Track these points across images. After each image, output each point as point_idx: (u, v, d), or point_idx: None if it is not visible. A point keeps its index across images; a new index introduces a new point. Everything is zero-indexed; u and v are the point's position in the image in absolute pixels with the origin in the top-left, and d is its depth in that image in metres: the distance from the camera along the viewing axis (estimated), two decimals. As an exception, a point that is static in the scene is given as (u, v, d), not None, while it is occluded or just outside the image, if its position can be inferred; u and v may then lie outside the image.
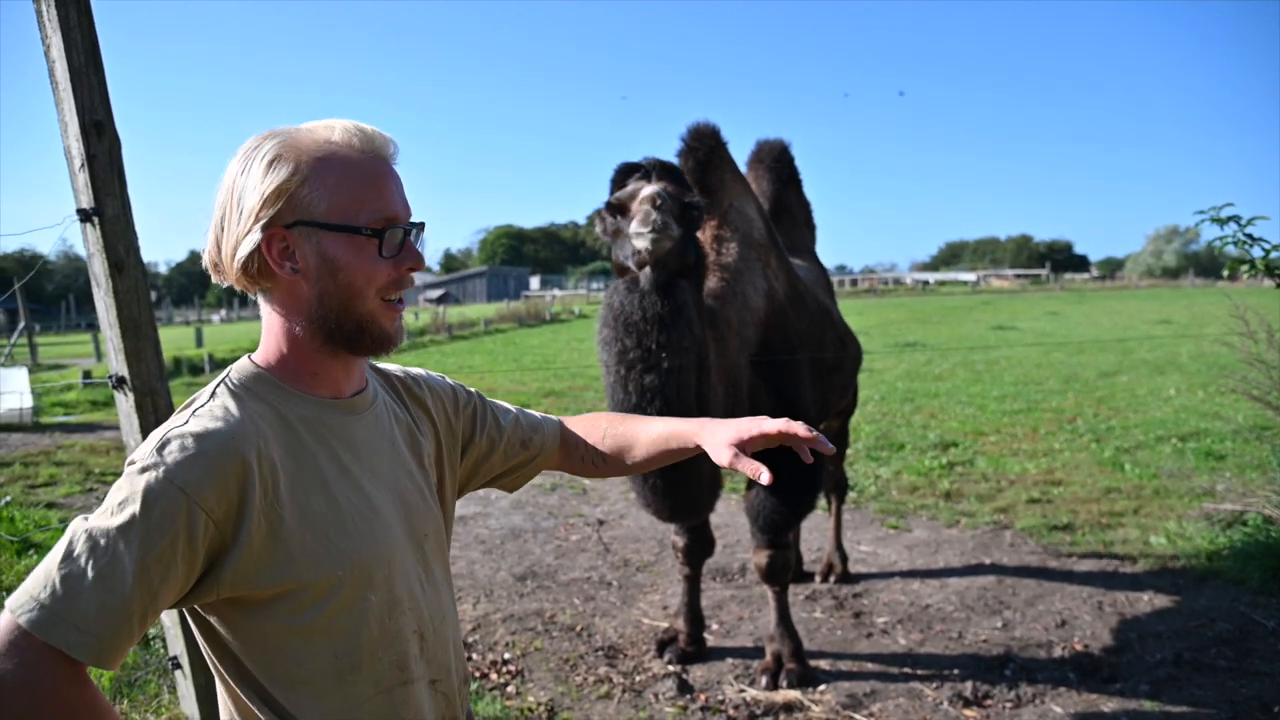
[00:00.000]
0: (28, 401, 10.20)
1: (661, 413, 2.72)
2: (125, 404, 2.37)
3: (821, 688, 3.45)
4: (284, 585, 1.06)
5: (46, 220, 2.37)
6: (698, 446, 1.42)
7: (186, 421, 1.05)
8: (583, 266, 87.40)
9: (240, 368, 1.16)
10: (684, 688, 3.45)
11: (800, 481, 3.46)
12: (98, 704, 0.99)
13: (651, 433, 1.49)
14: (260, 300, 1.16)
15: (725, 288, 3.33)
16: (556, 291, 60.10)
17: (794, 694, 3.39)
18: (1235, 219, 3.72)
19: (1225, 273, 4.36)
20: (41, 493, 6.75)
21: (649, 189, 2.73)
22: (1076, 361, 13.65)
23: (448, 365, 16.53)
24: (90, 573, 0.95)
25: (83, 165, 2.20)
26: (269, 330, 1.16)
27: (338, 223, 1.10)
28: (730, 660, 3.71)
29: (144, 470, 0.99)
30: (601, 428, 1.53)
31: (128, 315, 2.29)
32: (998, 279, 68.44)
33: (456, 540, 5.27)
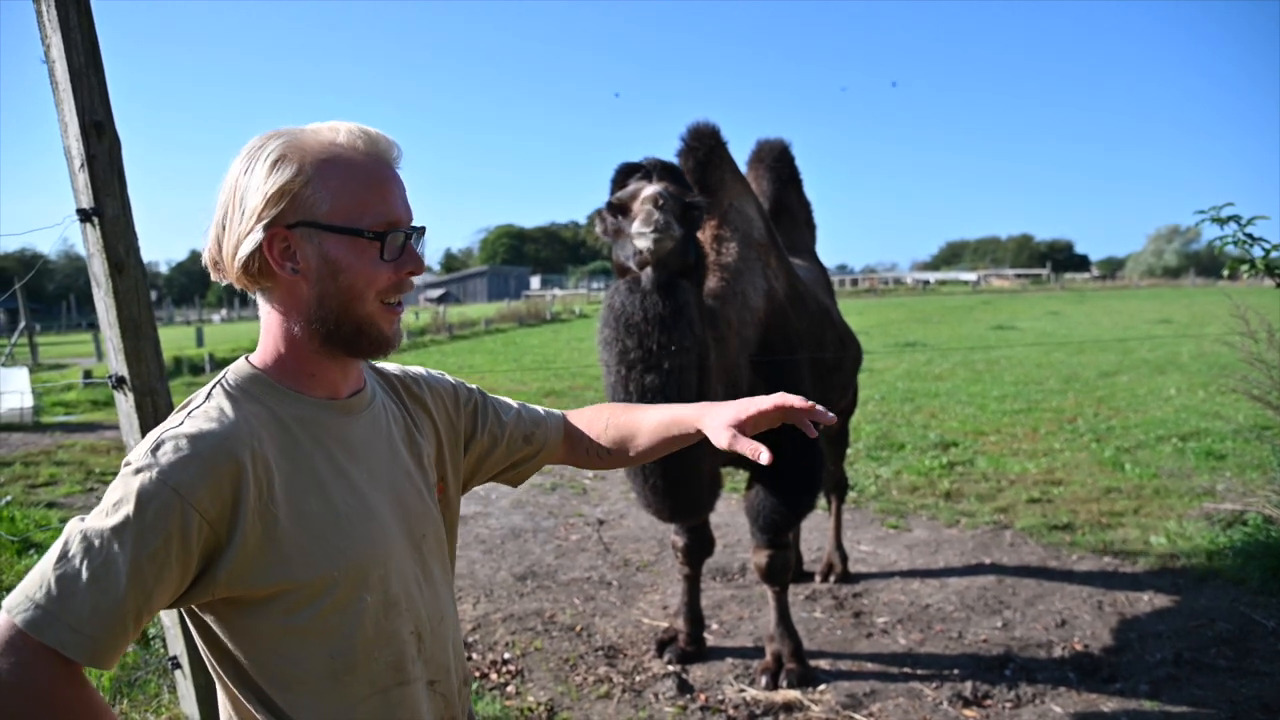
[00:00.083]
0: (28, 401, 10.21)
1: None
2: (125, 404, 2.37)
3: (821, 687, 3.45)
4: (279, 585, 1.07)
5: (47, 220, 2.37)
6: (699, 431, 1.42)
7: (181, 423, 1.06)
8: (583, 266, 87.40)
9: (237, 369, 1.16)
10: (684, 687, 3.46)
11: (800, 481, 3.46)
12: (93, 703, 1.00)
13: (653, 420, 1.49)
14: (259, 300, 1.16)
15: (725, 287, 3.33)
16: (557, 291, 60.12)
17: (794, 694, 3.39)
18: (1235, 219, 3.72)
19: (1225, 272, 4.36)
20: (42, 492, 6.76)
21: (651, 189, 2.73)
22: (1077, 361, 13.64)
23: (448, 365, 16.52)
24: (85, 573, 0.95)
25: (82, 165, 2.20)
26: (267, 330, 1.17)
27: (340, 225, 1.10)
28: (730, 660, 3.71)
29: (138, 471, 1.00)
30: (604, 418, 1.54)
31: (127, 315, 2.29)
32: (998, 279, 68.46)
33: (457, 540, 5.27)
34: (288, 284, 1.12)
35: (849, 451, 6.54)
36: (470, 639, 3.94)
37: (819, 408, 1.36)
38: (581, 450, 1.55)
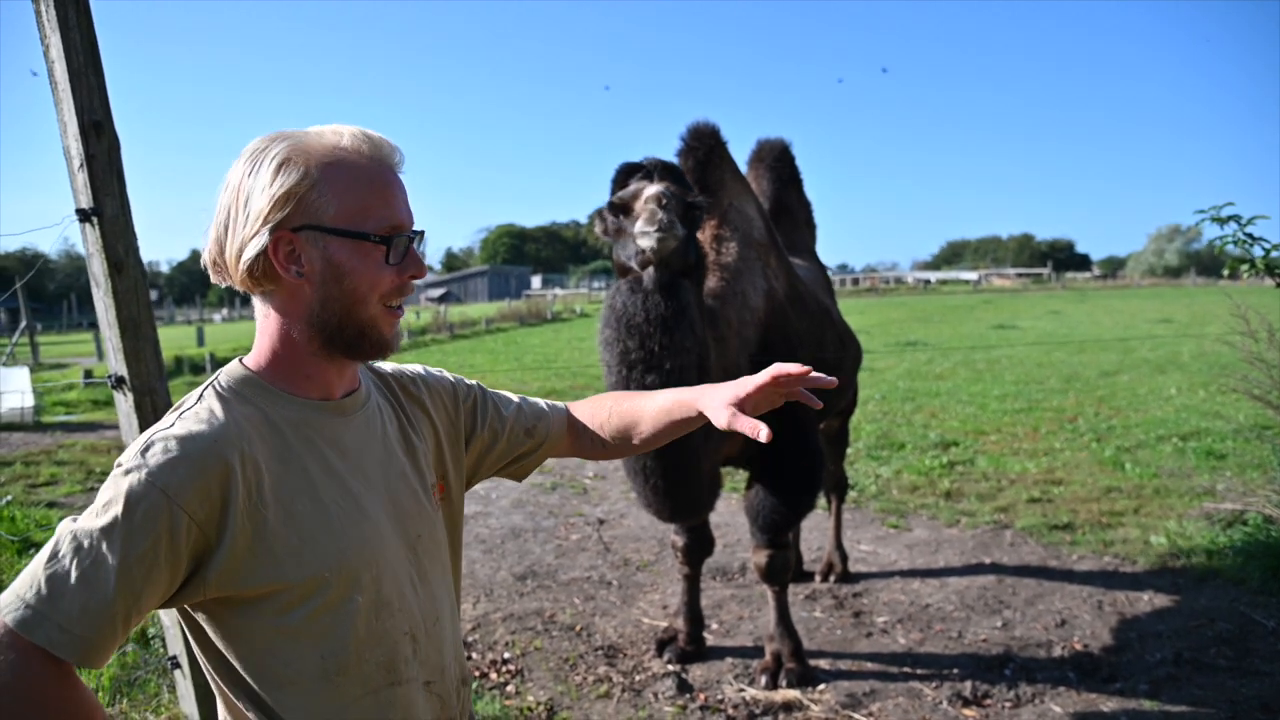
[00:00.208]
0: (29, 401, 10.22)
1: None
2: (124, 404, 2.38)
3: (821, 687, 3.45)
4: (270, 586, 1.07)
5: (49, 220, 2.37)
6: (700, 413, 1.42)
7: (172, 424, 1.07)
8: (584, 265, 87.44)
9: (230, 371, 1.17)
10: (683, 687, 3.46)
11: (800, 481, 3.46)
12: (85, 702, 1.01)
13: (654, 406, 1.49)
14: (257, 302, 1.16)
15: (725, 287, 3.33)
16: (558, 290, 60.11)
17: (793, 693, 3.39)
18: (1235, 218, 3.71)
19: (1226, 272, 4.36)
20: (43, 492, 6.76)
21: (653, 188, 2.73)
22: (1078, 361, 13.64)
23: (449, 364, 16.52)
24: (74, 573, 0.96)
25: (82, 165, 2.20)
26: (263, 332, 1.17)
27: (346, 229, 1.11)
28: (730, 660, 3.71)
29: (128, 472, 1.00)
30: (607, 407, 1.54)
31: (127, 315, 2.29)
32: (999, 278, 68.43)
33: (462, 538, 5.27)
34: (291, 287, 1.12)
35: (849, 451, 6.53)
36: (470, 638, 3.94)
37: (816, 373, 1.35)
38: (586, 441, 1.55)
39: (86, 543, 0.98)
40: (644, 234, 2.67)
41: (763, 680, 3.48)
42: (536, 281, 77.35)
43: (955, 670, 3.55)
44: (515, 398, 1.53)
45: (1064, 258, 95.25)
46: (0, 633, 0.95)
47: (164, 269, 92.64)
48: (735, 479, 6.10)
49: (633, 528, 5.59)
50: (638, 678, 3.56)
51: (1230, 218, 3.72)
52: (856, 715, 3.25)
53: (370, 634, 1.15)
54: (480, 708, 3.28)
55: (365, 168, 1.12)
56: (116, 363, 2.35)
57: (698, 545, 3.75)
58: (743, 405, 1.35)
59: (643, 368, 2.83)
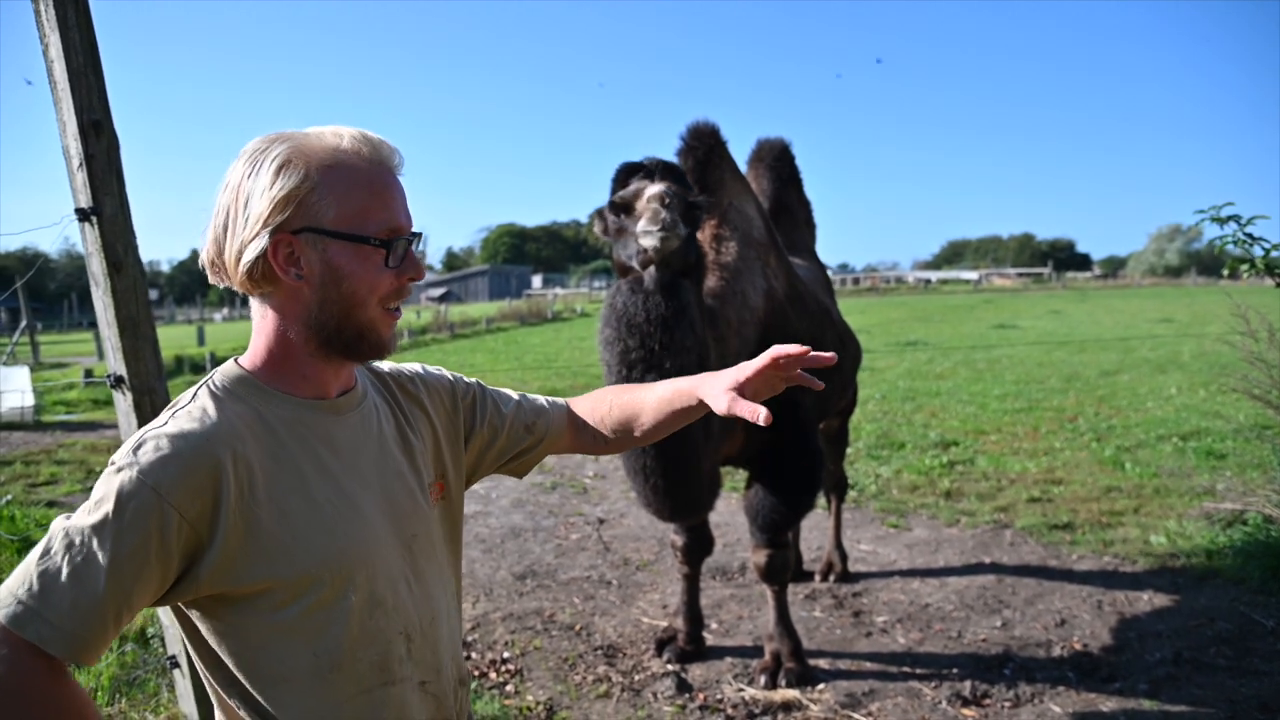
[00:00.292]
0: (29, 400, 10.22)
1: None
2: (124, 403, 2.38)
3: (820, 687, 3.45)
4: (262, 583, 1.08)
5: (50, 219, 2.37)
6: (700, 401, 1.42)
7: (165, 423, 1.07)
8: (585, 265, 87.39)
9: (225, 370, 1.17)
10: (683, 686, 3.46)
11: (799, 480, 3.46)
12: (76, 698, 1.01)
13: (655, 397, 1.49)
14: (255, 302, 1.16)
15: (725, 287, 3.33)
16: (559, 290, 60.08)
17: (793, 693, 3.39)
18: (1235, 218, 3.71)
19: (1226, 272, 4.35)
20: (43, 491, 6.77)
21: (656, 187, 2.73)
22: (1078, 360, 13.63)
23: (449, 363, 16.48)
24: (65, 570, 0.97)
25: (81, 165, 2.20)
26: (260, 332, 1.17)
27: (346, 231, 1.11)
28: (729, 659, 3.71)
29: (119, 470, 1.01)
30: (607, 401, 1.54)
31: (126, 314, 2.29)
32: (1000, 277, 68.36)
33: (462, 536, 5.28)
34: (290, 289, 1.13)
35: (849, 451, 6.53)
36: (469, 638, 3.94)
37: (815, 351, 1.34)
38: (587, 436, 1.55)
39: (78, 540, 0.99)
40: (647, 233, 2.67)
41: (762, 680, 3.48)
42: (537, 281, 77.34)
43: (955, 670, 3.55)
44: (514, 395, 1.53)
45: (1065, 257, 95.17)
46: None
47: (164, 268, 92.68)
48: (735, 478, 6.10)
49: (632, 527, 5.59)
50: (637, 677, 3.56)
51: (1230, 218, 3.72)
52: (856, 715, 3.25)
53: (364, 633, 1.15)
54: (479, 707, 3.28)
55: (365, 170, 1.12)
56: (115, 362, 2.35)
57: (697, 545, 3.75)
58: (742, 390, 1.35)
59: (643, 367, 2.83)
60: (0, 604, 0.97)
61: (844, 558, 4.63)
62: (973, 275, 69.98)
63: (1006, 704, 3.29)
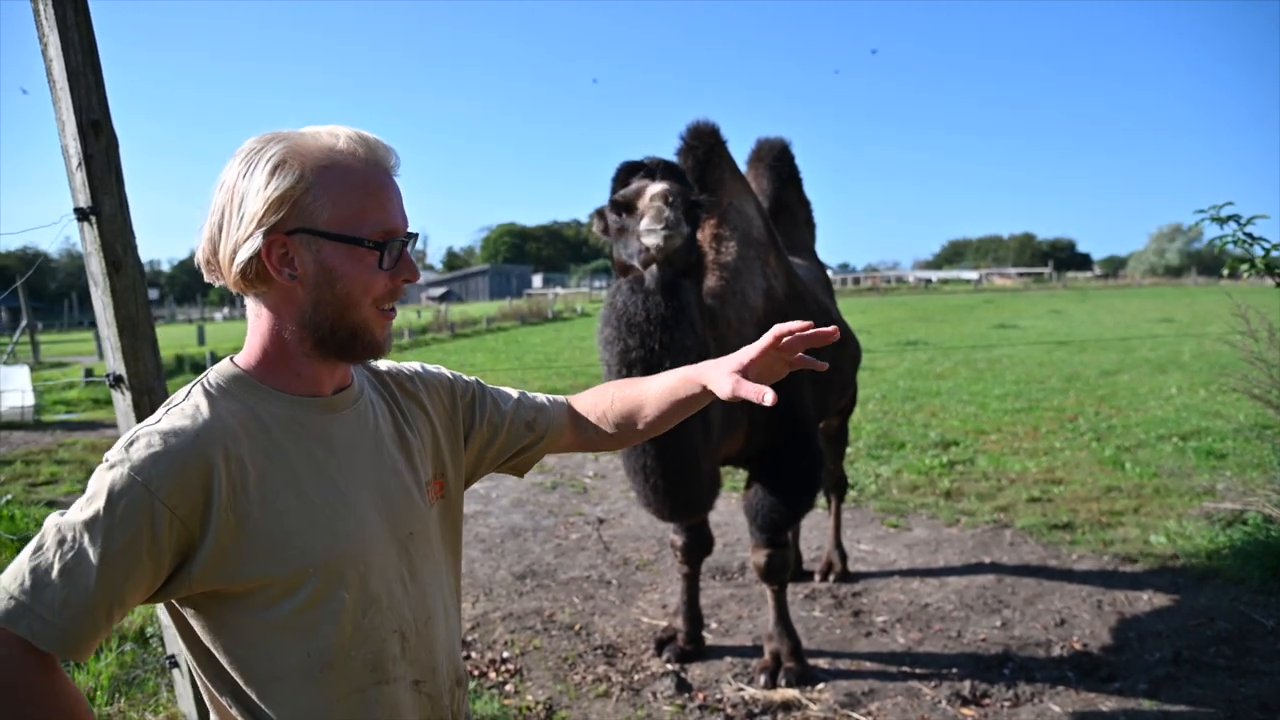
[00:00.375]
0: (29, 399, 10.23)
1: None
2: (122, 402, 2.37)
3: (820, 686, 3.45)
4: (255, 581, 1.08)
5: (51, 219, 2.37)
6: (704, 389, 1.42)
7: (159, 420, 1.08)
8: (585, 265, 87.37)
9: (219, 368, 1.17)
10: (682, 686, 3.46)
11: (799, 480, 3.46)
12: (67, 694, 1.02)
13: (659, 386, 1.49)
14: (250, 302, 1.16)
15: (724, 287, 3.33)
16: (559, 289, 60.08)
17: (792, 692, 3.39)
18: (1235, 218, 3.71)
19: (1226, 271, 4.35)
20: (43, 491, 6.78)
21: (659, 186, 2.73)
22: (1078, 360, 13.63)
23: (450, 363, 16.46)
24: (56, 566, 0.98)
25: (80, 164, 2.20)
26: (255, 331, 1.17)
27: (340, 233, 1.11)
28: (729, 659, 3.71)
29: (111, 467, 1.02)
30: (609, 395, 1.54)
31: (125, 314, 2.29)
32: (1000, 277, 68.33)
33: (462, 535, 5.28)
34: (284, 289, 1.13)
35: (849, 450, 6.54)
36: (469, 638, 3.94)
37: (816, 327, 1.34)
38: (590, 432, 1.55)
39: (69, 536, 0.99)
40: (650, 231, 2.66)
41: (761, 679, 3.48)
42: (538, 280, 77.34)
43: (954, 669, 3.55)
44: (514, 392, 1.53)
45: (1065, 257, 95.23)
46: None
47: (165, 268, 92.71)
48: (735, 478, 6.10)
49: (632, 527, 5.59)
50: (637, 677, 3.56)
51: (1230, 217, 3.72)
52: (855, 714, 3.25)
53: (357, 631, 1.15)
54: (479, 707, 3.28)
55: (360, 171, 1.12)
56: (114, 361, 2.34)
57: (697, 544, 3.75)
58: (746, 373, 1.34)
59: (642, 367, 2.83)
60: None
61: (844, 557, 4.63)
62: (973, 275, 69.93)
63: (1006, 703, 3.29)
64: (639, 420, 1.51)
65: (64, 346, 26.28)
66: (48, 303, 59.59)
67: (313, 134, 1.13)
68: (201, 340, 22.68)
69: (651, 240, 2.68)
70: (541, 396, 1.56)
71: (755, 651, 3.74)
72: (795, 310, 3.60)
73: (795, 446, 3.44)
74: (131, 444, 1.04)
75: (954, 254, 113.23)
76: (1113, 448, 7.30)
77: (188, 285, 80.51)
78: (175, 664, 2.64)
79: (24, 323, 18.19)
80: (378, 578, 1.18)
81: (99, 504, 1.00)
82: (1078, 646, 3.73)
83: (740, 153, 4.34)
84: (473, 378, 1.49)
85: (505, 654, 3.77)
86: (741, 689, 3.45)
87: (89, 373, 13.55)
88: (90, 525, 0.99)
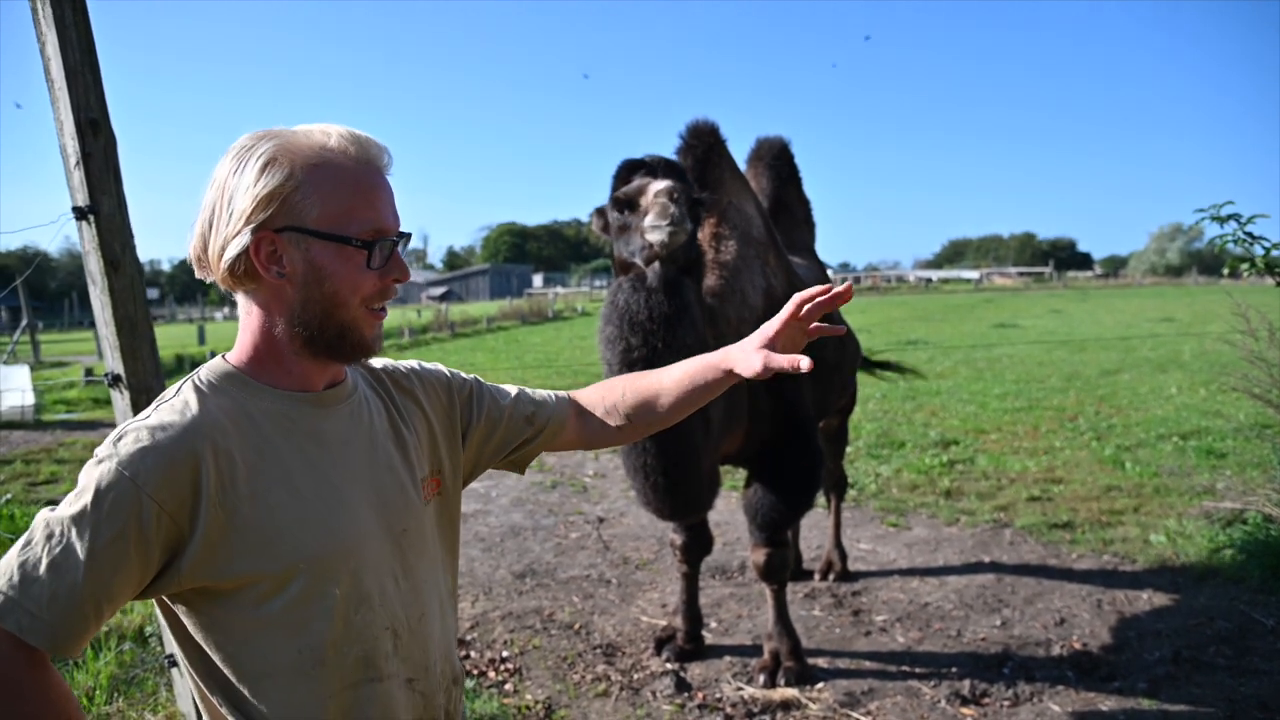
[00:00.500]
0: (29, 399, 10.23)
1: None
2: (121, 402, 2.38)
3: (819, 686, 3.45)
4: (245, 577, 1.08)
5: (51, 218, 2.37)
6: (727, 372, 1.42)
7: (148, 416, 1.08)
8: (586, 264, 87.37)
9: (211, 365, 1.17)
10: (682, 685, 3.46)
11: (799, 479, 3.46)
12: (56, 689, 1.02)
13: (677, 373, 1.48)
14: (240, 298, 1.17)
15: (724, 285, 3.33)
16: (559, 289, 60.06)
17: (792, 692, 3.39)
18: (1235, 217, 3.70)
19: (1226, 271, 4.35)
20: (43, 490, 6.78)
21: (662, 183, 2.72)
22: (1078, 359, 13.63)
23: (450, 362, 16.29)
24: (44, 561, 0.99)
25: (78, 163, 2.20)
26: (246, 328, 1.17)
27: (328, 231, 1.10)
28: (728, 658, 3.71)
29: (100, 462, 1.03)
30: (620, 387, 1.53)
31: (123, 313, 2.29)
32: (1001, 277, 68.30)
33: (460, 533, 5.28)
34: (272, 287, 1.13)
35: (849, 449, 6.53)
36: (468, 637, 3.94)
37: (836, 289, 1.34)
38: (596, 425, 1.54)
39: (58, 530, 1.00)
40: (655, 228, 2.66)
41: (761, 679, 3.48)
42: (538, 280, 77.33)
43: (954, 669, 3.55)
44: (513, 389, 1.53)
45: (1066, 256, 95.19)
46: None
47: (165, 267, 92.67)
48: (735, 477, 6.10)
49: (632, 526, 5.59)
50: (636, 676, 3.56)
51: (1230, 217, 3.71)
52: (855, 714, 3.25)
53: (348, 628, 1.15)
54: (478, 706, 3.28)
55: (351, 170, 1.12)
56: (113, 361, 2.35)
57: (696, 543, 3.74)
58: (772, 347, 1.36)
59: (644, 365, 2.82)
60: None
61: (843, 556, 4.63)
62: (974, 274, 69.90)
63: (1006, 703, 3.29)
64: (656, 408, 1.50)
65: (64, 346, 26.29)
66: (48, 302, 59.61)
67: (305, 132, 1.13)
68: (201, 340, 22.65)
69: (656, 236, 2.67)
70: (542, 392, 1.55)
71: (755, 651, 3.74)
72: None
73: (795, 445, 3.44)
74: (120, 439, 1.04)
75: (954, 253, 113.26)
76: (1113, 447, 7.30)
77: (188, 285, 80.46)
78: (174, 663, 2.65)
79: (24, 322, 18.18)
80: (370, 574, 1.17)
81: (87, 499, 1.00)
82: (1077, 646, 3.72)
83: (739, 152, 4.33)
84: (470, 375, 1.49)
85: (504, 653, 3.77)
86: (741, 688, 3.45)
87: (89, 372, 13.55)
88: (78, 520, 0.99)
